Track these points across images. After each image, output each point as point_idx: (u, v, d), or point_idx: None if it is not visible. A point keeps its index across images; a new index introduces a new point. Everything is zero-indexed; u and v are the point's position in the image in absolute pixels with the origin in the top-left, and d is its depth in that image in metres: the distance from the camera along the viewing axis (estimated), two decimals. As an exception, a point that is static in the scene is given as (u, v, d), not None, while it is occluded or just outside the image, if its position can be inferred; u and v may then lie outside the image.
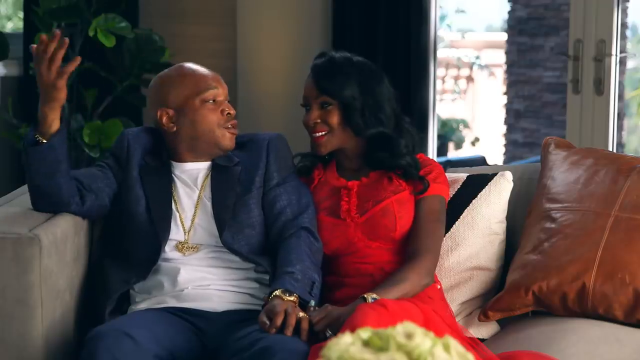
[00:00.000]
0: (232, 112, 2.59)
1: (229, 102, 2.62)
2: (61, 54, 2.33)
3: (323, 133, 2.58)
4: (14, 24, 6.93)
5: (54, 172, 2.41)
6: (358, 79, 2.57)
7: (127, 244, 2.55)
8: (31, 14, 4.30)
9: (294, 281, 2.38)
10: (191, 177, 2.59)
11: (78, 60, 2.35)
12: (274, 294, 2.34)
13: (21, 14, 4.91)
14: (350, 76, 2.57)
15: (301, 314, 2.29)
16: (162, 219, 2.53)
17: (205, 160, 2.61)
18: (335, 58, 2.60)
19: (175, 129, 2.58)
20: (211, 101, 2.57)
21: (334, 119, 2.57)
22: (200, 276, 2.49)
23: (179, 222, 2.54)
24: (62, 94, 2.36)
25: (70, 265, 2.50)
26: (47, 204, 2.46)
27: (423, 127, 4.40)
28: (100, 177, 2.56)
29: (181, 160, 2.60)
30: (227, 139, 2.58)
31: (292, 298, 2.34)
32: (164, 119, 2.58)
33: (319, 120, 2.58)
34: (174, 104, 2.57)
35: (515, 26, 9.51)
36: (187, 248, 2.52)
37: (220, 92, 2.59)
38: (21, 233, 2.34)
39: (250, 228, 2.55)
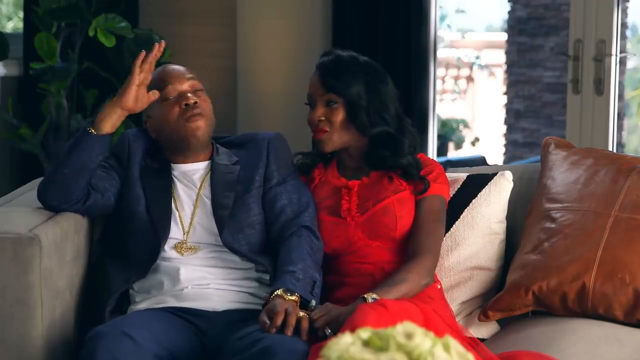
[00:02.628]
0: (191, 101, 2.54)
1: (197, 92, 2.57)
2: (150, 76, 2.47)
3: (327, 131, 2.57)
4: (14, 24, 6.93)
5: (83, 168, 2.43)
6: (364, 77, 2.57)
7: (127, 243, 2.55)
8: (31, 14, 4.30)
9: (295, 280, 2.38)
10: (190, 176, 2.59)
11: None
12: (275, 293, 2.33)
13: (21, 14, 4.91)
14: (356, 75, 2.56)
15: (301, 313, 2.29)
16: (161, 218, 2.52)
17: (203, 160, 2.61)
18: (342, 56, 2.60)
19: (154, 134, 2.60)
20: (171, 98, 2.56)
21: (339, 117, 2.56)
22: (200, 275, 2.49)
23: (178, 220, 2.54)
24: (138, 108, 2.48)
25: (70, 265, 2.49)
26: (56, 194, 2.46)
27: (423, 127, 4.40)
28: (105, 177, 2.56)
29: (176, 162, 2.60)
30: (192, 129, 2.54)
31: (293, 297, 2.33)
32: (148, 125, 2.61)
33: (323, 118, 2.57)
34: (148, 109, 2.58)
35: (515, 26, 9.50)
36: (185, 249, 2.52)
37: (178, 86, 2.56)
38: (21, 233, 2.34)
39: (250, 227, 2.54)
